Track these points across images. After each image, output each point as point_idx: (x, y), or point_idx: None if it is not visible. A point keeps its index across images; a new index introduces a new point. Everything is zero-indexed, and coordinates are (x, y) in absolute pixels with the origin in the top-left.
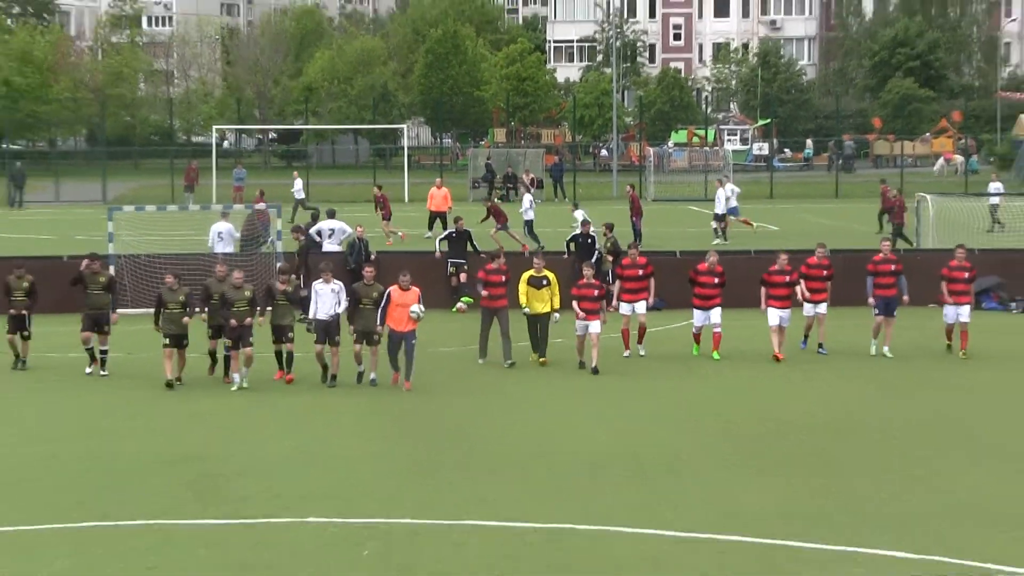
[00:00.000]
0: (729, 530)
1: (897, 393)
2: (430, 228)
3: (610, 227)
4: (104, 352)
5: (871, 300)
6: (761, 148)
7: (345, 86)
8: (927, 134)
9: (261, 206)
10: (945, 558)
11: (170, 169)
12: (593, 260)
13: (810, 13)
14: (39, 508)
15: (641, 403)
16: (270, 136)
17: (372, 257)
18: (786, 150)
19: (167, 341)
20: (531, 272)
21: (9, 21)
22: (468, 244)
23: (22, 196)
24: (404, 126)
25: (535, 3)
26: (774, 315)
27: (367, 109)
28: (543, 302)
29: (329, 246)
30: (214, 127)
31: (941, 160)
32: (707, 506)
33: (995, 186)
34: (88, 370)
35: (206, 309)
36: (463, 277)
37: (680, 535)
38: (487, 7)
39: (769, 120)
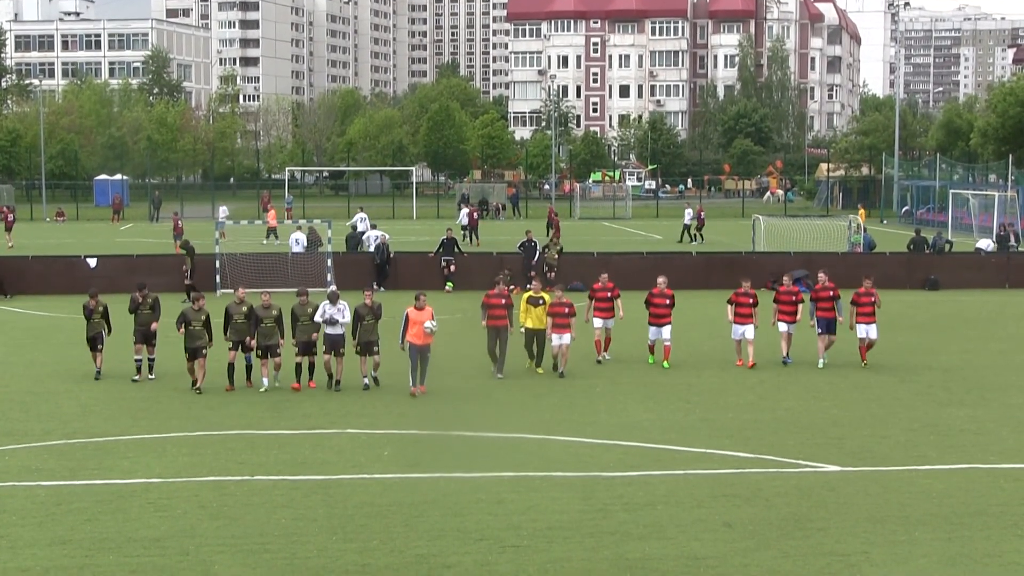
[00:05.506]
0: (627, 438)
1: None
2: (266, 238)
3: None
4: (151, 359)
5: (812, 322)
6: (650, 184)
7: (374, 141)
8: (760, 176)
9: (318, 222)
10: (770, 456)
11: (257, 197)
12: (535, 259)
13: (682, 95)
14: (167, 421)
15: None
16: (324, 175)
17: (391, 256)
18: (667, 186)
19: (189, 353)
20: (529, 293)
21: (151, 98)
22: (455, 247)
23: (159, 214)
24: (413, 168)
25: (502, 87)
26: (737, 330)
27: (388, 157)
28: (536, 319)
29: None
30: (287, 168)
31: (768, 193)
32: (613, 421)
33: (688, 212)
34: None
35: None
36: (452, 268)
37: (595, 441)
38: (469, 90)
39: (655, 166)
